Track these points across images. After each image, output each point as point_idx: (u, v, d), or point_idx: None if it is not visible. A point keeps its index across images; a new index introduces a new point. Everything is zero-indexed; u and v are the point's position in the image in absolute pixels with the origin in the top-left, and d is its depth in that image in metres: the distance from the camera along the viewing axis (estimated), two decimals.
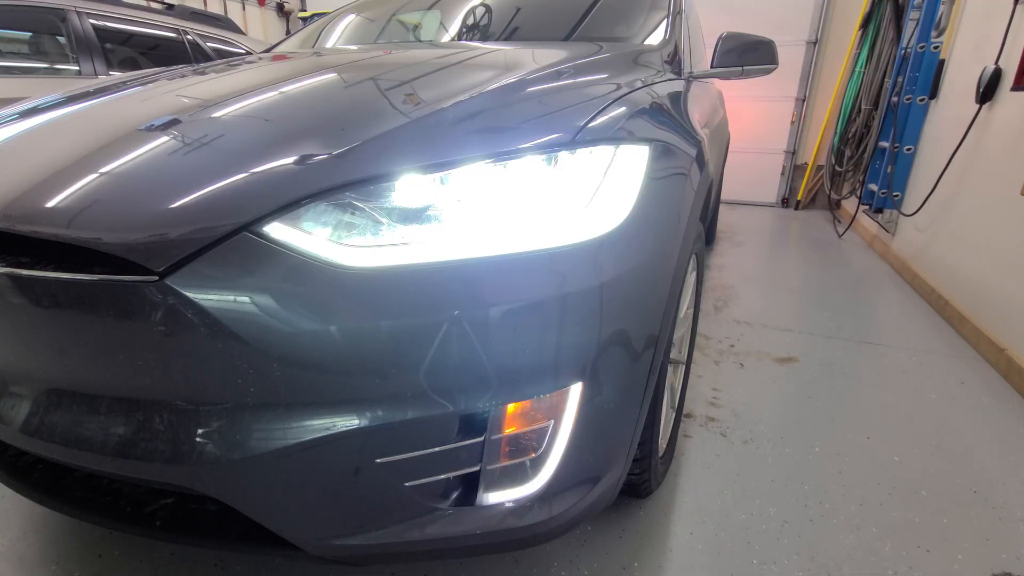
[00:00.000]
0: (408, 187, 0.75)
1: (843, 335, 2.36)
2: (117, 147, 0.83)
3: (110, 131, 0.89)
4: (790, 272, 3.29)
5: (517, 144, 0.81)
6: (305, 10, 7.69)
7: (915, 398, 1.85)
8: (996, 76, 2.39)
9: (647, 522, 1.28)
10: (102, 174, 0.76)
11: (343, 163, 0.74)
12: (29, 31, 3.14)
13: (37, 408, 0.82)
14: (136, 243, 0.67)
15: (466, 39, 1.78)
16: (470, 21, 1.83)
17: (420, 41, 1.86)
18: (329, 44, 2.06)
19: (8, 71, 2.96)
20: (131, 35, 3.60)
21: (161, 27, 3.79)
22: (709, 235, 3.44)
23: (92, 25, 3.33)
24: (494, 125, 0.86)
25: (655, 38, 1.64)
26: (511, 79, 1.01)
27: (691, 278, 1.35)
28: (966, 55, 2.85)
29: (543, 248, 0.77)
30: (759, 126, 5.40)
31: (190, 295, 0.66)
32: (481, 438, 0.79)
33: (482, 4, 1.90)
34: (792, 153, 5.38)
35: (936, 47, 3.20)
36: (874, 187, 3.66)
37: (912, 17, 3.53)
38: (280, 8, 7.78)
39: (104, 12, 3.42)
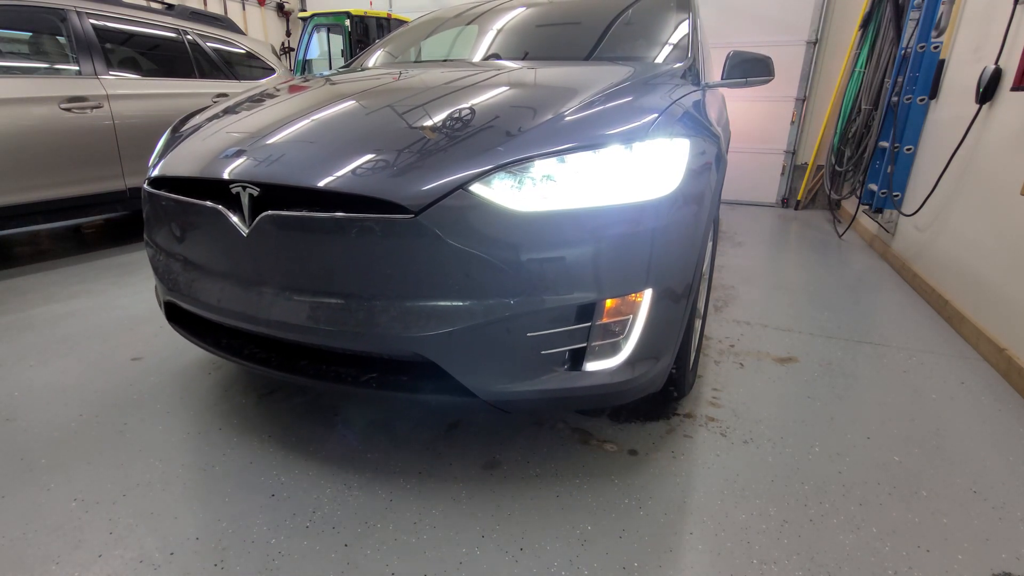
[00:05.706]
0: (545, 164, 1.17)
1: (843, 335, 2.36)
2: (386, 138, 1.25)
3: (376, 125, 1.33)
4: (790, 272, 3.29)
5: (609, 138, 1.22)
6: (305, 10, 7.69)
7: (915, 398, 1.85)
8: (996, 76, 2.39)
9: (647, 522, 1.28)
10: (381, 157, 1.18)
11: (510, 149, 1.17)
12: (29, 31, 3.14)
13: (303, 308, 1.23)
14: (405, 199, 1.11)
15: (541, 59, 2.18)
16: (545, 46, 2.30)
17: (512, 61, 2.20)
18: (425, 56, 2.60)
19: (8, 71, 2.96)
20: (131, 35, 3.60)
21: (161, 27, 3.79)
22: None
23: (92, 25, 3.33)
24: (593, 126, 1.26)
25: (682, 58, 2.04)
26: (600, 93, 1.42)
27: (710, 235, 1.74)
28: (966, 55, 2.85)
29: (628, 202, 1.18)
30: (759, 126, 5.40)
31: (430, 226, 1.10)
32: (590, 323, 1.21)
33: (558, 34, 2.41)
34: (792, 153, 5.38)
35: (936, 47, 3.20)
36: (874, 187, 3.66)
37: (912, 17, 3.53)
38: (280, 8, 7.79)
39: (104, 12, 3.42)
